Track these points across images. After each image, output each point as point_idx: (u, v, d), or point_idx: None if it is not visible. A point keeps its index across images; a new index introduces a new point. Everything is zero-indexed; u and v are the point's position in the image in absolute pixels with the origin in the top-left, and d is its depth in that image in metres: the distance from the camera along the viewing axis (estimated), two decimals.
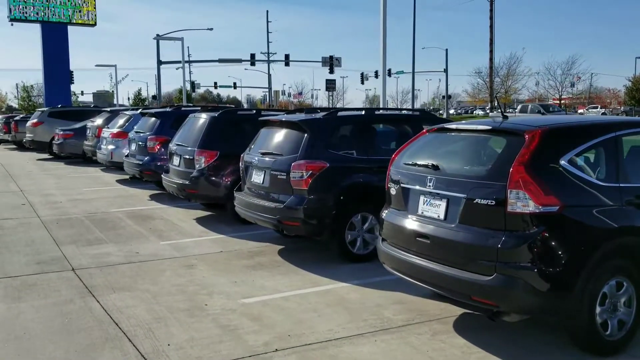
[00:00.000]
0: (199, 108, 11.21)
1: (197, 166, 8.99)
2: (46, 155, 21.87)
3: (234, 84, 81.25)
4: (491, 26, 59.92)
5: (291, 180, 6.62)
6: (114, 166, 14.38)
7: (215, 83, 79.95)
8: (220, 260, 7.02)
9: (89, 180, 14.73)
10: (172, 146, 9.89)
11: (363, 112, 7.40)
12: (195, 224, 9.16)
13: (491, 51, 60.58)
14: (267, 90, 79.96)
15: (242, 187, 7.80)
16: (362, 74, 73.25)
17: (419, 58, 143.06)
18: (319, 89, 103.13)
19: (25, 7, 36.53)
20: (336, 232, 6.67)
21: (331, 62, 59.96)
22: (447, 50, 65.25)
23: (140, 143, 11.86)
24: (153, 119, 12.08)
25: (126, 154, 12.85)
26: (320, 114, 7.21)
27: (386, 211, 5.11)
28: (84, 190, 12.73)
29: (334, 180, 6.67)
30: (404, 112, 8.32)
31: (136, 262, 6.93)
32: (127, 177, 14.10)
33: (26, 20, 37.11)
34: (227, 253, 7.36)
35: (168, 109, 12.41)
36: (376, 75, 72.50)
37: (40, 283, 6.05)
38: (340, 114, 7.21)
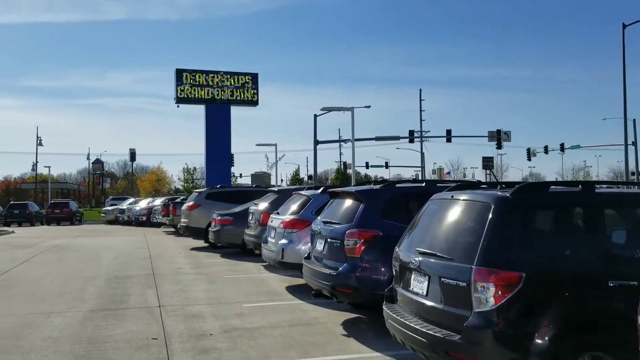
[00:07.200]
0: (434, 182, 6.63)
1: (475, 303, 4.23)
2: (201, 243, 18.81)
3: (386, 163, 77.86)
4: None
5: None
6: (286, 267, 10.22)
7: (367, 163, 77.06)
8: None
9: (250, 285, 10.69)
10: (405, 253, 5.30)
11: None
12: None
13: None
14: (419, 169, 75.76)
15: None
16: (528, 150, 65.62)
17: (589, 131, 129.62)
18: (476, 167, 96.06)
19: (191, 89, 36.34)
20: None
21: (499, 137, 53.66)
22: (634, 120, 55.88)
23: (332, 240, 7.49)
24: (351, 201, 7.71)
25: (306, 254, 8.59)
26: None
27: None
28: (244, 308, 8.57)
29: None
30: None
31: None
32: (301, 282, 9.82)
33: (191, 101, 36.89)
34: None
35: (374, 187, 7.97)
36: (546, 151, 64.79)
37: None
38: None
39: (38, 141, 63.90)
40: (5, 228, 34.31)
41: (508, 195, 4.56)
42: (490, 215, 4.45)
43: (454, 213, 4.97)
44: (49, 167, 65.36)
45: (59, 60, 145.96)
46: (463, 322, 4.26)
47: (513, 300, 4.14)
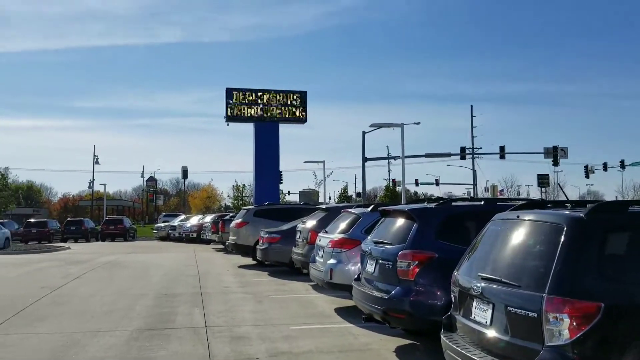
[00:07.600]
0: (494, 201, 6.19)
1: (547, 336, 3.80)
2: (249, 260, 18.71)
3: (436, 180, 76.47)
4: None
5: None
6: (334, 288, 9.88)
7: (417, 180, 75.73)
8: None
9: (297, 306, 10.39)
10: (465, 278, 4.89)
11: None
12: None
13: None
14: (470, 187, 74.01)
15: None
16: (586, 167, 63.00)
17: None
18: (531, 185, 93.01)
19: (241, 107, 36.79)
20: None
21: (555, 153, 51.62)
22: None
23: (384, 262, 7.11)
24: (403, 220, 7.33)
25: (356, 275, 8.24)
26: None
27: None
28: (292, 331, 8.27)
29: None
30: None
31: None
32: (350, 303, 9.44)
33: (241, 119, 37.34)
34: None
35: (428, 205, 7.56)
36: (605, 168, 62.13)
37: None
38: None
39: (95, 160, 66.14)
40: (62, 244, 35.36)
41: (582, 215, 4.11)
42: (562, 238, 4.02)
43: (520, 235, 4.54)
44: (105, 184, 67.40)
45: (117, 82, 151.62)
46: (533, 357, 3.83)
47: (590, 333, 3.69)
